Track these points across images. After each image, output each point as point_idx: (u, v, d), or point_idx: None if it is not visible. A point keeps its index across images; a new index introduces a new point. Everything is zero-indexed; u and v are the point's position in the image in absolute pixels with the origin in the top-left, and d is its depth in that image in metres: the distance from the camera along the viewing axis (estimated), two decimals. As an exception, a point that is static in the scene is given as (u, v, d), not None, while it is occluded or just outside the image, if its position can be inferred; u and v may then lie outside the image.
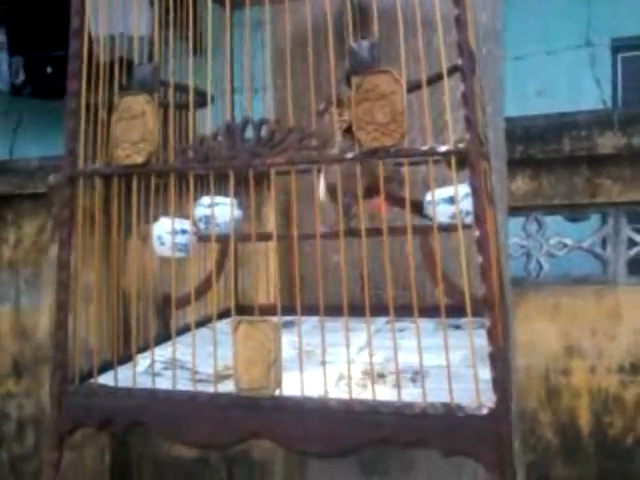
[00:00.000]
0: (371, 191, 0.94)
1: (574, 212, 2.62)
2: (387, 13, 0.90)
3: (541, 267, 2.61)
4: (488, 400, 0.71)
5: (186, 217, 1.04)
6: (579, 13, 3.99)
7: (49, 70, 3.62)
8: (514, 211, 2.22)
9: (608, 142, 2.44)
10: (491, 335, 0.70)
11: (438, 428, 0.70)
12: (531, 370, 2.46)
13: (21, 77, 3.76)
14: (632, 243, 2.55)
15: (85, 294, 0.94)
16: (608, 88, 3.99)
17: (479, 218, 0.71)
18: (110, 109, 0.83)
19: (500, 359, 0.71)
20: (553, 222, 2.64)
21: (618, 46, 4.04)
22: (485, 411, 0.70)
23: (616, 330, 2.46)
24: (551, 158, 2.49)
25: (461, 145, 0.72)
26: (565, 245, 2.60)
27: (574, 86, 3.76)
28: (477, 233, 0.71)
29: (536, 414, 2.47)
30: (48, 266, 2.80)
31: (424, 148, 0.74)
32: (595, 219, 2.69)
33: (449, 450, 0.70)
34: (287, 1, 0.99)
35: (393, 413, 0.72)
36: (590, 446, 2.44)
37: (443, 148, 0.73)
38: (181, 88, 0.86)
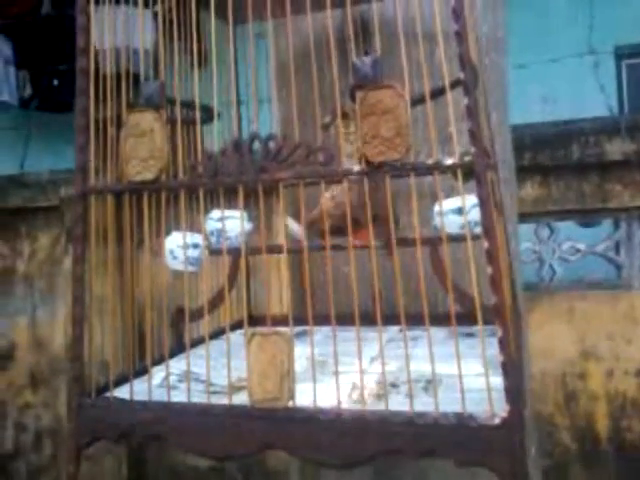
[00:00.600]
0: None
1: (585, 217, 2.61)
2: (388, 26, 0.91)
3: (554, 272, 2.60)
4: (501, 409, 0.72)
5: (197, 231, 1.05)
6: (582, 21, 3.99)
7: (55, 83, 3.66)
8: (525, 217, 2.22)
9: (616, 148, 2.44)
10: (503, 345, 0.70)
11: (450, 438, 0.71)
12: (547, 375, 2.45)
13: (28, 91, 3.80)
14: (645, 246, 2.54)
15: (100, 308, 0.96)
16: (613, 95, 3.98)
17: (488, 230, 0.72)
18: (119, 122, 0.85)
19: (512, 369, 0.72)
20: (565, 227, 2.63)
21: (622, 53, 4.03)
22: (497, 421, 0.70)
23: (632, 334, 2.45)
24: (560, 165, 2.49)
25: (467, 158, 0.73)
26: (578, 250, 2.60)
27: (578, 93, 3.75)
28: (486, 244, 0.72)
29: (553, 419, 2.46)
30: (62, 278, 2.83)
31: (430, 162, 0.75)
32: (607, 224, 2.68)
33: (462, 460, 0.70)
34: (289, 15, 1.01)
35: (405, 423, 0.73)
36: (608, 450, 2.43)
37: (449, 161, 0.74)
38: (187, 104, 0.88)
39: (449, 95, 0.77)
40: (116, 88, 0.89)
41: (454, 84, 0.78)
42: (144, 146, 0.81)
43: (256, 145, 0.79)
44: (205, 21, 1.00)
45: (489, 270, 0.72)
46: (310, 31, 1.14)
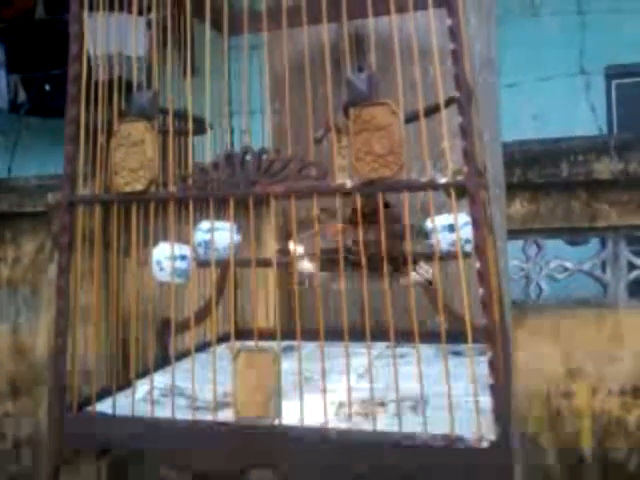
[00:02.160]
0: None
1: (573, 235, 2.62)
2: (383, 42, 0.91)
3: (541, 290, 2.61)
4: (489, 430, 0.71)
5: (185, 242, 1.04)
6: (573, 41, 4.03)
7: (47, 88, 3.63)
8: (513, 234, 2.23)
9: (605, 167, 2.46)
10: (492, 368, 0.70)
11: (439, 460, 0.70)
12: (531, 393, 2.45)
13: (19, 95, 3.77)
14: (632, 266, 2.56)
15: (84, 318, 0.94)
16: (603, 114, 4.02)
17: (480, 249, 0.71)
18: (109, 129, 0.84)
19: (501, 392, 0.71)
20: (553, 245, 2.64)
21: (612, 73, 4.08)
22: (486, 444, 0.69)
23: (617, 353, 2.45)
24: (549, 182, 2.50)
25: (460, 177, 0.72)
26: (565, 268, 2.60)
27: (569, 113, 3.79)
28: (478, 264, 0.71)
29: (537, 437, 2.45)
30: (46, 285, 2.79)
31: (423, 180, 0.74)
32: (594, 243, 2.70)
33: (449, 483, 0.69)
34: (284, 28, 1.00)
35: (393, 444, 0.71)
36: (593, 470, 2.42)
37: (442, 180, 0.73)
38: (179, 115, 0.87)
39: (442, 113, 0.77)
40: (108, 95, 0.88)
41: (448, 102, 0.78)
42: (135, 156, 0.80)
43: (248, 158, 0.79)
44: (199, 30, 1.00)
45: (480, 291, 0.71)
46: (305, 45, 1.14)
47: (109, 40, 0.91)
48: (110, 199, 0.82)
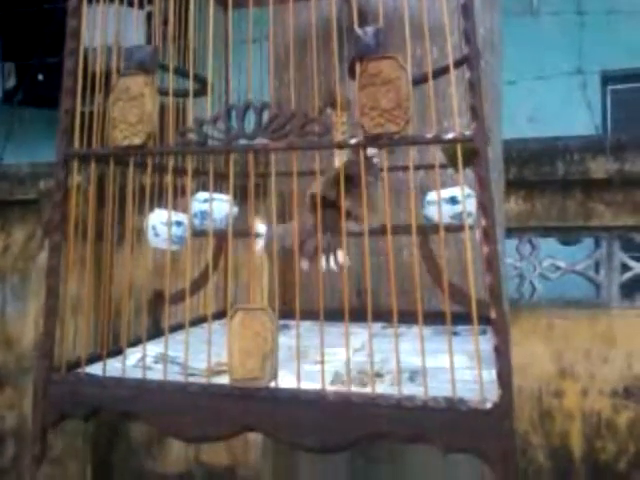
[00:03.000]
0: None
1: (567, 235, 2.62)
2: (387, 17, 0.89)
3: (534, 289, 2.60)
4: (491, 395, 0.69)
5: (181, 211, 1.02)
6: (571, 42, 4.05)
7: (41, 78, 3.59)
8: (507, 232, 2.22)
9: (600, 167, 2.46)
10: (496, 326, 0.68)
11: (440, 422, 0.68)
12: (522, 392, 2.44)
13: (12, 83, 3.72)
14: (625, 267, 2.56)
15: (76, 286, 0.92)
16: (599, 114, 4.05)
17: (485, 208, 0.70)
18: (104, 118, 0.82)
19: (504, 353, 0.69)
20: (546, 244, 2.64)
21: (607, 78, 4.10)
22: (489, 405, 0.67)
23: (608, 353, 2.45)
24: (544, 180, 2.50)
25: (468, 133, 0.71)
26: (558, 268, 2.60)
27: (565, 111, 3.81)
28: (483, 223, 0.69)
29: (528, 436, 2.44)
30: (36, 274, 2.75)
31: (429, 136, 0.73)
32: (587, 242, 2.70)
33: (450, 446, 0.67)
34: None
35: (393, 406, 0.69)
36: (582, 470, 2.41)
37: (449, 135, 0.71)
38: (180, 72, 0.85)
39: (452, 73, 0.75)
40: (105, 85, 0.86)
41: (458, 63, 0.76)
42: (133, 110, 0.78)
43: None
44: (200, 17, 0.98)
45: (485, 250, 0.69)
46: (305, 20, 1.12)
47: (108, 32, 0.89)
48: (107, 153, 0.80)
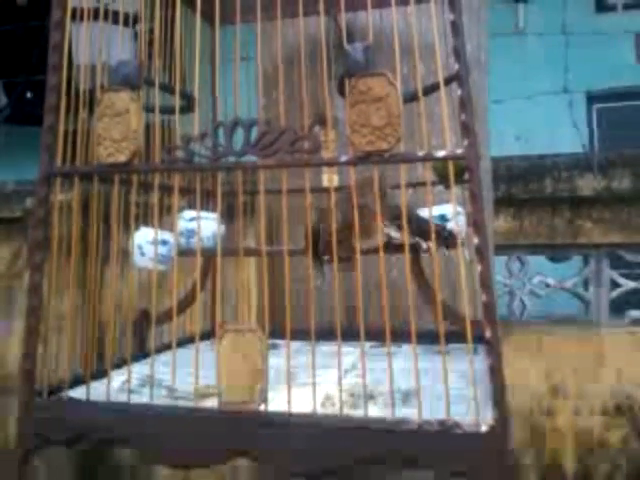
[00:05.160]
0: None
1: (556, 252, 2.62)
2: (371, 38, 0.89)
3: (524, 306, 2.59)
4: (485, 417, 0.67)
5: (167, 230, 1.00)
6: (556, 62, 4.09)
7: (29, 95, 3.56)
8: (497, 250, 2.21)
9: (588, 184, 2.47)
10: (490, 345, 0.66)
11: (434, 447, 0.66)
12: (513, 410, 2.41)
13: (0, 101, 3.70)
14: (615, 283, 2.55)
15: (59, 306, 0.89)
16: (585, 133, 4.08)
17: (478, 225, 0.68)
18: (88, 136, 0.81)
19: (499, 375, 0.67)
20: (535, 262, 2.64)
21: (593, 97, 4.14)
22: (485, 428, 0.65)
23: (599, 371, 2.43)
24: (533, 198, 2.50)
25: (460, 150, 0.70)
26: (548, 285, 2.60)
27: (552, 130, 3.83)
28: (476, 240, 0.68)
29: (519, 455, 2.41)
30: (22, 293, 2.70)
31: (421, 153, 0.71)
32: (576, 260, 2.70)
33: (445, 471, 0.65)
34: (279, 17, 0.98)
35: (386, 430, 0.67)
36: (574, 489, 2.39)
37: (441, 153, 0.70)
38: (166, 89, 0.83)
39: (442, 91, 0.74)
40: (89, 103, 0.85)
41: (448, 80, 0.75)
42: (118, 127, 0.76)
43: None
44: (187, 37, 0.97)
45: (479, 268, 0.68)
46: (293, 39, 1.11)
47: (94, 49, 0.88)
48: (91, 171, 0.78)
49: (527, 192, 2.49)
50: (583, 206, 2.49)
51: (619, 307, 2.54)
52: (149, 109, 0.85)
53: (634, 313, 2.48)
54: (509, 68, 3.78)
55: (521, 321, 2.56)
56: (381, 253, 0.80)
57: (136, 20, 1.09)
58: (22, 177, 3.01)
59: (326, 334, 0.84)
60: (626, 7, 4.23)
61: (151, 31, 1.07)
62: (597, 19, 4.19)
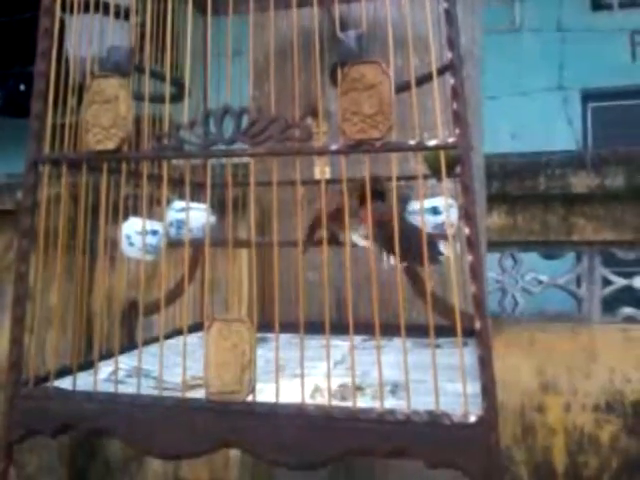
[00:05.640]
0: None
1: (549, 249, 2.62)
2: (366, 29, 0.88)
3: (516, 303, 2.59)
4: (474, 408, 0.67)
5: (157, 220, 0.99)
6: (551, 59, 4.10)
7: (22, 87, 3.54)
8: (490, 246, 2.22)
9: (582, 182, 2.47)
10: (481, 336, 0.66)
11: (423, 437, 0.65)
12: (505, 407, 2.42)
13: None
14: (607, 281, 2.56)
15: (47, 296, 0.88)
16: (580, 131, 4.09)
17: (469, 216, 0.68)
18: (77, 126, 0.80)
19: (489, 365, 0.67)
20: (528, 258, 2.64)
21: (588, 95, 4.15)
22: (473, 419, 0.65)
23: (590, 368, 2.44)
24: (526, 195, 2.50)
25: (451, 140, 0.69)
26: (540, 282, 2.60)
27: (547, 127, 3.84)
28: (467, 231, 0.68)
29: (510, 452, 2.42)
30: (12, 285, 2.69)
31: (412, 142, 0.71)
32: (569, 256, 2.70)
33: (434, 461, 0.65)
34: (272, 7, 0.97)
35: (374, 420, 0.67)
36: (564, 485, 2.40)
37: (433, 142, 0.70)
38: (157, 76, 0.82)
39: (435, 82, 0.74)
40: (79, 94, 0.84)
41: (441, 70, 0.75)
42: (107, 113, 0.75)
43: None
44: (180, 32, 0.96)
45: (469, 259, 0.68)
46: (285, 30, 1.10)
47: (86, 42, 0.87)
48: (79, 158, 0.77)
49: (521, 189, 2.49)
50: (576, 203, 2.49)
51: (611, 304, 2.55)
52: (140, 97, 0.84)
53: (627, 310, 2.48)
54: (504, 65, 3.78)
55: (513, 317, 2.56)
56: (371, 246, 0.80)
57: (128, 12, 1.08)
58: (14, 170, 2.99)
59: (317, 327, 0.83)
60: (622, 5, 4.23)
61: (143, 24, 1.06)
62: (593, 17, 4.20)
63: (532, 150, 2.64)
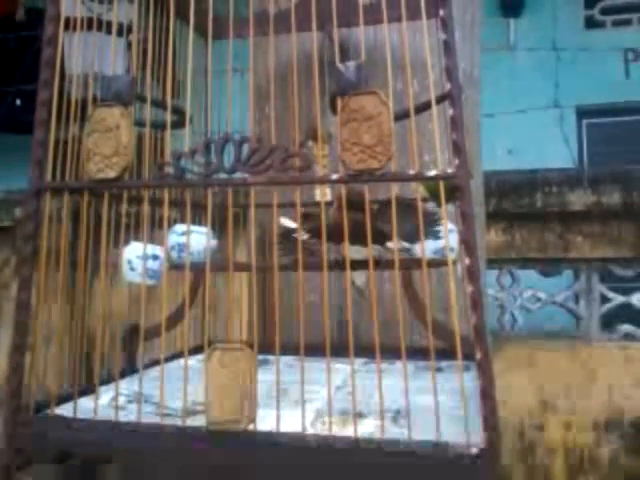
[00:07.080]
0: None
1: (547, 266, 2.63)
2: (366, 54, 0.89)
3: (515, 320, 2.60)
4: (476, 438, 0.67)
5: (158, 244, 0.99)
6: (547, 77, 4.13)
7: (18, 103, 3.55)
8: (488, 263, 2.22)
9: (579, 199, 2.48)
10: (482, 367, 0.66)
11: (425, 469, 0.65)
12: (504, 424, 2.41)
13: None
14: (605, 298, 2.57)
15: (47, 320, 0.88)
16: (575, 148, 4.11)
17: (469, 245, 0.68)
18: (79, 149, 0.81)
19: (491, 396, 0.67)
20: (526, 276, 2.65)
21: (583, 112, 4.18)
22: (475, 450, 0.65)
23: (590, 386, 2.44)
24: (524, 213, 2.51)
25: (450, 170, 0.70)
26: (539, 299, 2.60)
27: (543, 144, 3.86)
28: (467, 262, 0.68)
29: (510, 470, 2.41)
30: (9, 303, 2.68)
31: (411, 172, 0.71)
32: (567, 274, 2.71)
33: (435, 492, 0.65)
34: (271, 32, 0.98)
35: (376, 451, 0.67)
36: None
37: (432, 173, 0.70)
38: (158, 104, 0.83)
39: (434, 109, 0.74)
40: (81, 113, 0.85)
41: (439, 99, 0.76)
42: (109, 142, 0.75)
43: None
44: (180, 49, 0.97)
45: (469, 289, 0.68)
46: (286, 54, 1.11)
47: (86, 59, 0.88)
48: (81, 186, 0.78)
49: (518, 206, 2.51)
50: (574, 221, 2.50)
51: (609, 321, 2.55)
52: (141, 124, 0.84)
53: (625, 327, 2.49)
54: (500, 83, 3.81)
55: (512, 334, 2.56)
56: (371, 269, 0.80)
57: (129, 31, 1.08)
58: (11, 186, 2.99)
59: (318, 349, 0.83)
60: (615, 24, 4.28)
61: (144, 41, 1.07)
62: (587, 35, 4.24)
63: (529, 167, 2.66)
